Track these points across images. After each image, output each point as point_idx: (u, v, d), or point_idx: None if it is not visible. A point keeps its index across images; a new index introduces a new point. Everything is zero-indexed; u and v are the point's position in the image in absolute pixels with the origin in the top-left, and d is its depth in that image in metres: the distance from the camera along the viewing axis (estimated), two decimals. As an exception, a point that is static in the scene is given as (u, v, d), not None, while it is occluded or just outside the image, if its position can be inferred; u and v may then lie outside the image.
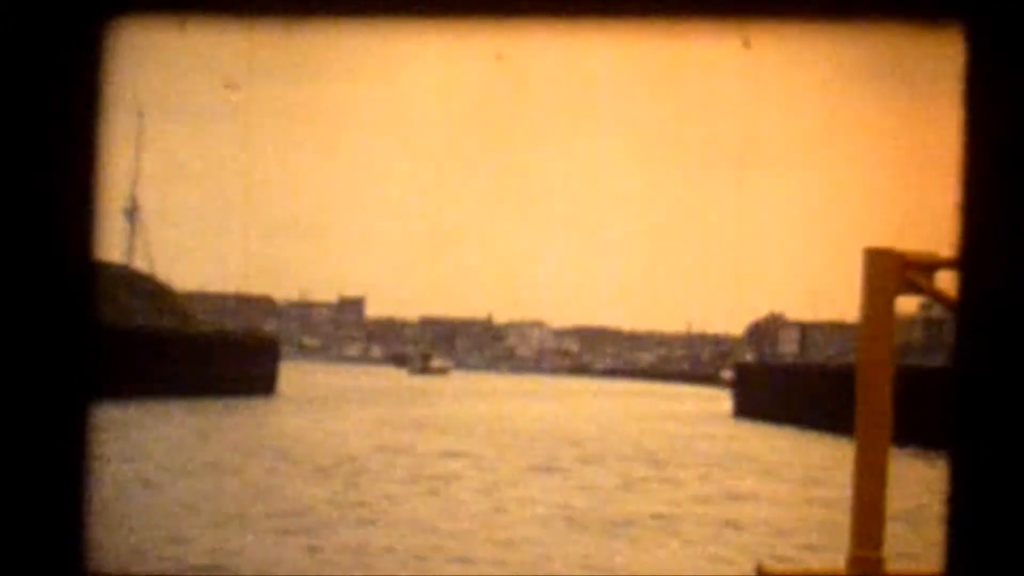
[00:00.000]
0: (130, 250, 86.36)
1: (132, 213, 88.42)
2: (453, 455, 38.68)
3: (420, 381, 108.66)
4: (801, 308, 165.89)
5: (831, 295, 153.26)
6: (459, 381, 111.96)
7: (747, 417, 70.05)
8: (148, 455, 33.56)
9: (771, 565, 20.89)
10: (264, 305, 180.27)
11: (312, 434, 44.23)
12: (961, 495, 1.82)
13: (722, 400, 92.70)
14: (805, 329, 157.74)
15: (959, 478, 1.82)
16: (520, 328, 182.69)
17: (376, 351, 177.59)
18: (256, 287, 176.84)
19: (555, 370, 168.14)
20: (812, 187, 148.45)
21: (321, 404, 65.06)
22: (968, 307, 1.82)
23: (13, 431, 1.98)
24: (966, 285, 1.81)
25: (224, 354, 68.99)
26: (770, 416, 66.48)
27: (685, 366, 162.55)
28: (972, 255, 1.83)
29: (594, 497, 30.27)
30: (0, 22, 2.02)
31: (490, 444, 43.81)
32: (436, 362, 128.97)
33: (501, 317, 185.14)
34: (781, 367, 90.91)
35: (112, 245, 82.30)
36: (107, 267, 72.21)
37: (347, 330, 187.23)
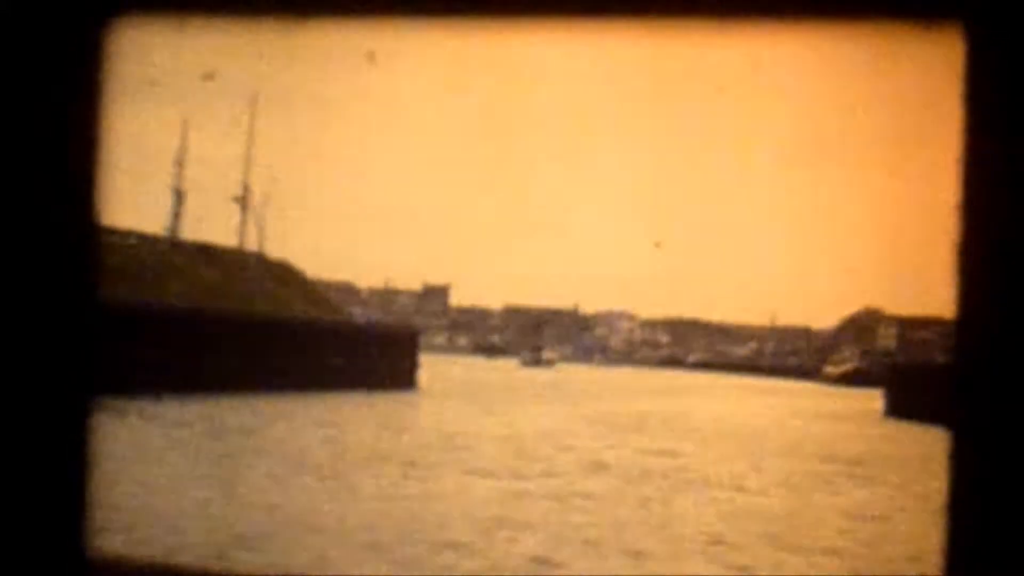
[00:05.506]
0: (241, 237, 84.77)
1: (244, 200, 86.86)
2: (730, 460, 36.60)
3: (536, 373, 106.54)
4: (895, 303, 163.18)
5: (927, 290, 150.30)
6: (571, 373, 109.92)
7: (902, 417, 70.10)
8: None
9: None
10: (346, 292, 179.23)
11: (567, 439, 41.66)
12: (961, 494, 1.82)
13: (845, 398, 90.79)
14: (903, 325, 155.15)
15: (959, 477, 1.83)
16: (608, 319, 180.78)
17: (462, 341, 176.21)
18: (337, 273, 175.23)
19: (645, 362, 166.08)
20: (899, 182, 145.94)
21: (476, 400, 62.95)
22: (968, 304, 1.83)
23: (15, 418, 2.05)
24: (966, 282, 1.83)
25: (372, 346, 67.66)
26: (927, 417, 65.81)
27: (790, 360, 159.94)
28: (972, 253, 1.84)
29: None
30: (1, 22, 2.05)
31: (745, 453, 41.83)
32: (547, 354, 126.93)
33: (586, 307, 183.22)
34: (938, 367, 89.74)
35: (225, 232, 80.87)
36: (249, 256, 70.85)
37: (431, 319, 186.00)
